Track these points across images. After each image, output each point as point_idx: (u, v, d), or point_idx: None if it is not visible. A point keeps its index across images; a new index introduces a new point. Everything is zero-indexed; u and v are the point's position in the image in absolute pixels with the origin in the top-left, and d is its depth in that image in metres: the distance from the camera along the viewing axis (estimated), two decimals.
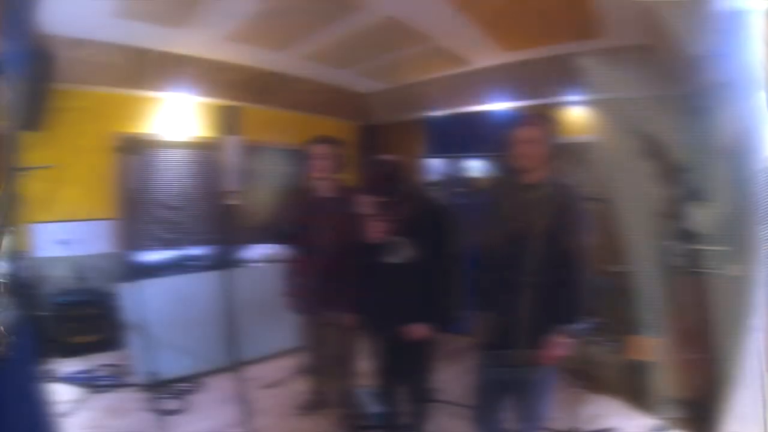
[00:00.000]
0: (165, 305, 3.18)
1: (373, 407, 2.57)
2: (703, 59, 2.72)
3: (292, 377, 3.16)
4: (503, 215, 1.78)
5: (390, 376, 2.07)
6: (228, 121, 1.15)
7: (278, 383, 3.08)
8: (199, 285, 3.39)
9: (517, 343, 1.67)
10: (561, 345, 1.60)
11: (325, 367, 2.65)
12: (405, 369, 2.01)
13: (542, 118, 1.78)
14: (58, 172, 3.92)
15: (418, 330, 1.86)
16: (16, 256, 1.58)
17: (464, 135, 4.71)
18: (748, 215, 2.48)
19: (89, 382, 2.82)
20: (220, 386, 3.03)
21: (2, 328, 1.35)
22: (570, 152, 4.55)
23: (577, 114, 4.60)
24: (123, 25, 3.33)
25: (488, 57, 4.25)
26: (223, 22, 3.43)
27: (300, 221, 2.40)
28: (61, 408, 2.46)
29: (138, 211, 4.53)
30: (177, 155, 4.84)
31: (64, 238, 3.18)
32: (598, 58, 3.02)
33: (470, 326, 1.93)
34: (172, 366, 3.03)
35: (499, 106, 4.86)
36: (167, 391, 2.88)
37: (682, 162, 2.15)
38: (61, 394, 2.73)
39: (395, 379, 2.07)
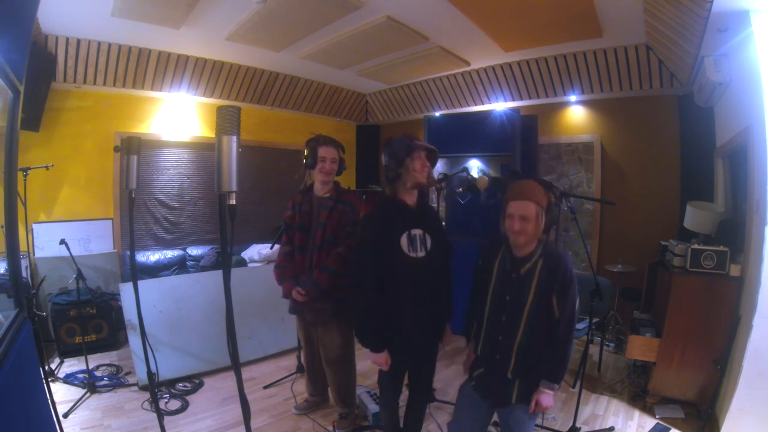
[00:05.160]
0: (165, 305, 3.19)
1: (373, 407, 2.58)
2: (704, 59, 2.72)
3: (292, 377, 3.17)
4: (493, 281, 1.72)
5: (401, 377, 2.06)
6: (228, 121, 1.15)
7: (278, 383, 3.08)
8: (199, 285, 3.39)
9: (508, 388, 1.66)
10: (546, 397, 1.62)
11: (322, 368, 2.65)
12: (422, 369, 2.03)
13: (541, 185, 1.65)
14: (58, 172, 3.95)
15: (449, 330, 1.96)
16: (15, 256, 1.58)
17: (464, 135, 4.71)
18: (748, 215, 2.48)
19: (89, 382, 2.82)
20: (220, 386, 3.05)
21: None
22: (571, 151, 4.57)
23: (577, 114, 4.62)
24: (123, 25, 3.33)
25: (489, 57, 4.25)
26: (224, 23, 3.42)
27: (300, 219, 2.43)
28: (61, 408, 2.46)
29: (138, 211, 4.54)
30: (177, 155, 4.87)
31: (64, 238, 3.18)
32: None
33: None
34: (172, 366, 3.05)
35: (499, 106, 4.88)
36: (167, 391, 2.89)
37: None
38: (61, 394, 2.73)
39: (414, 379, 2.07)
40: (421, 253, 1.82)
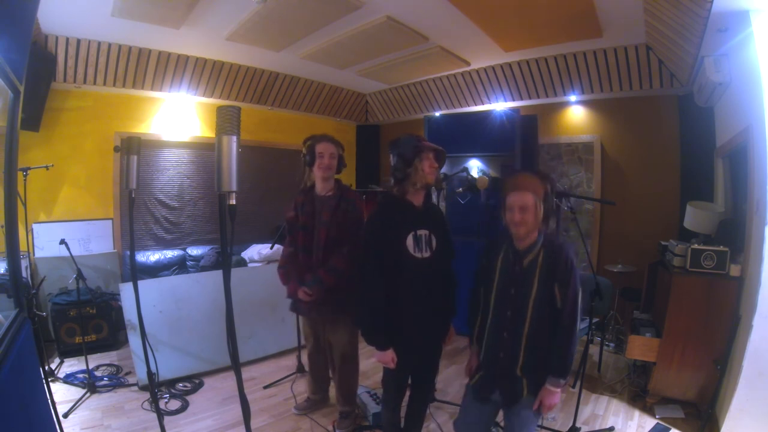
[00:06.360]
0: (165, 305, 3.19)
1: (374, 407, 2.58)
2: (704, 59, 2.72)
3: (292, 377, 3.17)
4: (497, 277, 1.73)
5: (405, 377, 2.06)
6: (228, 121, 1.15)
7: (278, 383, 3.08)
8: (199, 285, 3.39)
9: (514, 388, 1.66)
10: (552, 394, 1.62)
11: (326, 364, 2.65)
12: (424, 369, 2.04)
13: (536, 177, 1.66)
14: (58, 172, 3.95)
15: (452, 334, 1.98)
16: (15, 256, 1.58)
17: (464, 135, 4.71)
18: (748, 215, 2.48)
19: (89, 382, 2.82)
20: (220, 386, 3.05)
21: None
22: (571, 151, 4.57)
23: (577, 114, 4.62)
24: (123, 25, 3.32)
25: (489, 57, 4.25)
26: (224, 23, 3.42)
27: (302, 219, 2.41)
28: (61, 408, 2.46)
29: (138, 211, 4.54)
30: (177, 155, 4.87)
31: (63, 238, 3.18)
32: None
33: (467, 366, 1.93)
34: (172, 366, 3.05)
35: (499, 106, 4.87)
36: (167, 391, 2.90)
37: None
38: (61, 394, 2.73)
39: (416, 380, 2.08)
40: (426, 254, 1.83)
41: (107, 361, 3.38)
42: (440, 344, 2.01)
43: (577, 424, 2.42)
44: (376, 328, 1.83)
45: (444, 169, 4.90)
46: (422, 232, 1.83)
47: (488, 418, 1.76)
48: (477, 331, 1.83)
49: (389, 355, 1.82)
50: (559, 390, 1.63)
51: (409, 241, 1.80)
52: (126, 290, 3.08)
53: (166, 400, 2.78)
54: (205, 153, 5.01)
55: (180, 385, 3.00)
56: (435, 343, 1.98)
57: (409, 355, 1.88)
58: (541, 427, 2.48)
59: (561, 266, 1.60)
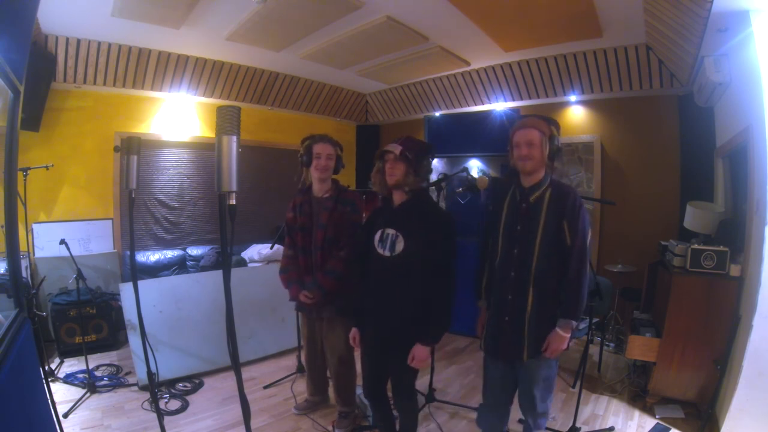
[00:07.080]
0: (165, 305, 3.19)
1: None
2: (704, 59, 2.72)
3: (292, 377, 3.17)
4: (504, 216, 1.79)
5: (381, 377, 2.04)
6: (228, 121, 1.16)
7: (278, 383, 3.08)
8: (199, 285, 3.39)
9: (520, 337, 1.70)
10: (561, 338, 1.63)
11: (325, 365, 2.65)
12: (391, 369, 2.01)
13: (542, 119, 1.75)
14: (58, 172, 3.95)
15: (421, 353, 1.78)
16: (15, 256, 1.58)
17: (464, 135, 4.72)
18: (748, 215, 2.48)
19: (89, 382, 2.82)
20: (220, 386, 3.04)
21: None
22: (571, 151, 4.57)
23: (577, 114, 4.62)
24: (123, 25, 3.32)
25: (489, 57, 4.25)
26: (224, 23, 3.42)
27: (300, 220, 2.42)
28: (61, 408, 2.46)
29: (138, 211, 4.54)
30: (177, 155, 4.87)
31: (63, 238, 3.19)
32: None
33: (475, 323, 1.95)
34: (172, 366, 3.04)
35: (499, 106, 4.88)
36: (167, 391, 2.90)
37: None
38: (61, 394, 2.73)
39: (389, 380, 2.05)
40: (386, 253, 1.86)
41: (107, 361, 3.38)
42: (404, 348, 1.81)
43: (577, 424, 2.43)
44: (350, 301, 2.07)
45: (444, 169, 4.91)
46: (389, 231, 1.87)
47: (510, 373, 1.80)
48: (485, 283, 1.87)
49: (352, 332, 2.00)
50: (567, 335, 1.64)
51: (376, 237, 1.90)
52: (126, 290, 3.08)
53: (166, 400, 2.78)
54: (205, 153, 5.01)
55: (180, 385, 3.00)
56: (399, 343, 1.84)
57: (368, 343, 1.97)
58: None
59: (569, 204, 1.65)
